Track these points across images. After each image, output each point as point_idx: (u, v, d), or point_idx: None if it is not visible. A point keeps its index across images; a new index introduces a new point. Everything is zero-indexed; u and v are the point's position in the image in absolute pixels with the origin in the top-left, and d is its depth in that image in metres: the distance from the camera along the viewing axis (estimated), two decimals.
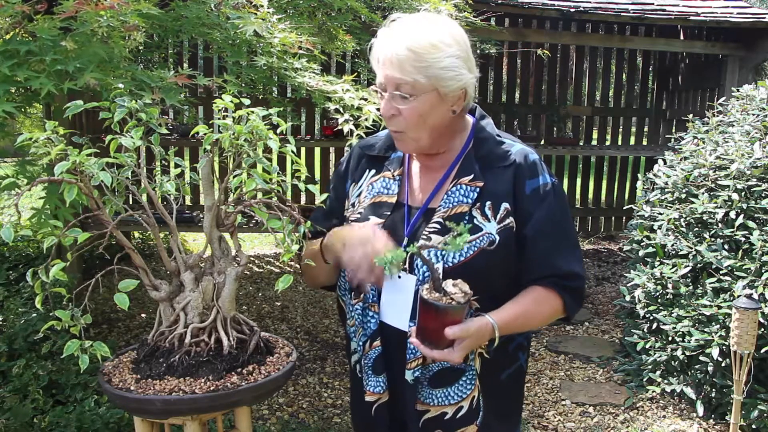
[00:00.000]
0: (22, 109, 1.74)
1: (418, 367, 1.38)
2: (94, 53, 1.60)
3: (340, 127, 2.09)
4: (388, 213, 1.43)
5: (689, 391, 3.27)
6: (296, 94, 2.22)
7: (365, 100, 2.10)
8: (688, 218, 3.34)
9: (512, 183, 1.40)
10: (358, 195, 1.51)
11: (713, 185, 3.33)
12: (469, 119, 1.49)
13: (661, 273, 3.31)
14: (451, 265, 1.34)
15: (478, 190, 1.39)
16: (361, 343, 1.43)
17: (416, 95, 1.32)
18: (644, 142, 7.22)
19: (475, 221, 1.37)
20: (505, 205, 1.38)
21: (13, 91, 1.57)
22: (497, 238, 1.37)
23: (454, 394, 1.40)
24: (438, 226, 1.37)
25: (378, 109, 2.08)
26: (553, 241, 1.40)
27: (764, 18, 4.97)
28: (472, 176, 1.40)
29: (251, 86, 2.16)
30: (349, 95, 2.10)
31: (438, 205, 1.40)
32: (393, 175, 1.47)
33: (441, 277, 1.29)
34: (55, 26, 1.59)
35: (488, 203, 1.38)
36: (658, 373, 3.48)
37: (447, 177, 1.44)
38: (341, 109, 2.08)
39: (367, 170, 1.52)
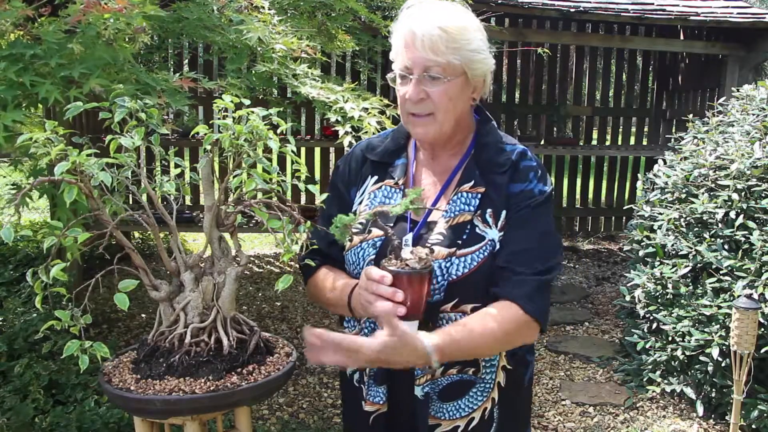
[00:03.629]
0: (28, 110, 1.74)
1: (427, 382, 1.35)
2: (99, 57, 1.60)
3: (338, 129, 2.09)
4: (392, 224, 1.38)
5: (689, 391, 3.27)
6: (296, 98, 2.22)
7: (366, 110, 2.10)
8: (688, 218, 3.34)
9: (506, 188, 1.37)
10: (360, 203, 1.46)
11: (713, 185, 3.33)
12: (474, 121, 1.46)
13: (661, 273, 3.31)
14: (455, 277, 1.31)
15: (479, 196, 1.36)
16: None
17: (446, 77, 1.30)
18: (644, 142, 7.22)
19: (477, 230, 1.34)
20: (504, 212, 1.36)
21: (20, 95, 1.57)
22: (499, 246, 1.34)
23: (465, 407, 1.38)
24: (441, 237, 1.34)
25: (379, 122, 2.07)
26: (521, 246, 1.34)
27: (764, 18, 4.97)
28: (472, 182, 1.38)
29: (251, 90, 2.17)
30: (350, 105, 2.09)
31: (441, 215, 1.37)
32: (397, 184, 1.43)
33: (404, 245, 1.25)
34: (60, 29, 1.59)
35: (489, 210, 1.36)
36: (658, 373, 3.48)
37: (449, 183, 1.41)
38: (341, 120, 2.07)
39: (369, 176, 1.47)
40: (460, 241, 1.33)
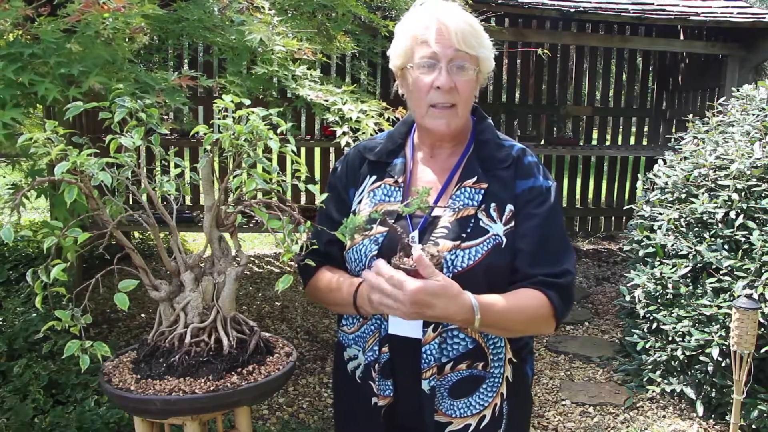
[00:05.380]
0: (26, 111, 1.74)
1: (433, 376, 1.35)
2: (98, 56, 1.60)
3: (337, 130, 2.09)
4: (392, 221, 1.38)
5: (689, 391, 3.27)
6: (297, 102, 2.22)
7: (364, 112, 2.09)
8: (688, 218, 3.34)
9: (512, 184, 1.40)
10: (359, 202, 1.47)
11: (713, 185, 3.33)
12: (469, 118, 1.48)
13: (661, 273, 3.31)
14: (460, 269, 1.32)
15: (482, 192, 1.38)
16: (375, 349, 1.41)
17: (472, 69, 1.35)
18: (644, 142, 7.23)
19: (481, 224, 1.36)
20: (509, 207, 1.37)
21: (18, 94, 1.57)
22: (504, 239, 1.35)
23: (476, 404, 1.38)
24: (446, 231, 1.35)
25: (377, 124, 2.07)
26: (538, 243, 1.37)
27: (764, 18, 4.98)
28: (475, 178, 1.39)
29: (250, 92, 2.17)
30: (348, 107, 2.09)
31: (444, 210, 1.39)
32: (397, 182, 1.44)
33: (411, 243, 1.27)
34: (58, 28, 1.59)
35: (493, 205, 1.37)
36: (658, 373, 3.48)
37: (450, 180, 1.43)
38: (339, 121, 2.07)
39: (368, 176, 1.48)
40: (464, 234, 1.34)
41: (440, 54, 1.33)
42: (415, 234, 1.37)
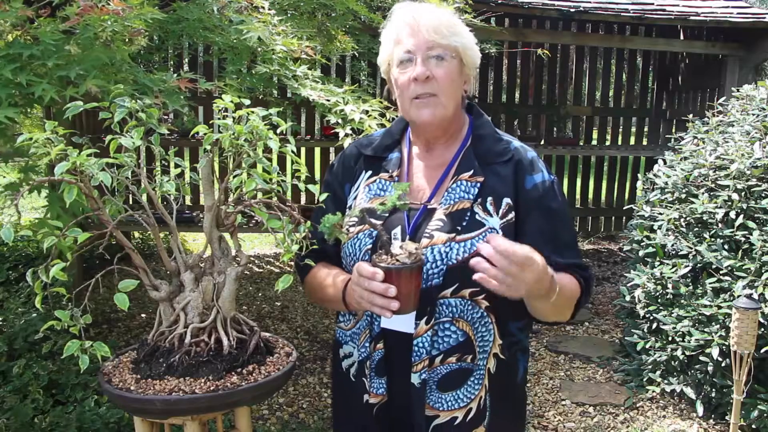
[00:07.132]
0: (24, 111, 1.74)
1: (423, 369, 1.36)
2: (96, 58, 1.60)
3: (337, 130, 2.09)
4: (387, 215, 1.40)
5: (689, 391, 3.27)
6: (296, 98, 2.22)
7: (366, 112, 2.09)
8: (688, 218, 3.34)
9: (513, 178, 1.40)
10: (355, 197, 1.48)
11: (713, 185, 3.33)
12: (466, 117, 1.50)
13: (661, 273, 3.31)
14: (454, 262, 1.33)
15: (478, 185, 1.39)
16: (366, 345, 1.41)
17: (449, 56, 1.37)
18: (644, 142, 7.23)
19: (476, 217, 1.36)
20: (506, 200, 1.38)
21: (16, 94, 1.57)
22: (500, 233, 1.35)
23: (464, 397, 1.39)
24: (440, 224, 1.36)
25: (379, 125, 2.07)
26: (557, 236, 1.40)
27: (764, 18, 4.97)
28: (471, 172, 1.40)
29: (251, 91, 2.17)
30: (351, 108, 2.09)
31: (439, 203, 1.40)
32: (392, 176, 1.45)
33: (390, 240, 1.28)
34: (57, 29, 1.59)
35: (489, 198, 1.38)
36: (658, 373, 3.48)
37: (447, 174, 1.43)
38: (341, 122, 2.07)
39: (364, 171, 1.49)
40: (459, 227, 1.35)
41: (414, 48, 1.36)
42: (398, 230, 1.38)
